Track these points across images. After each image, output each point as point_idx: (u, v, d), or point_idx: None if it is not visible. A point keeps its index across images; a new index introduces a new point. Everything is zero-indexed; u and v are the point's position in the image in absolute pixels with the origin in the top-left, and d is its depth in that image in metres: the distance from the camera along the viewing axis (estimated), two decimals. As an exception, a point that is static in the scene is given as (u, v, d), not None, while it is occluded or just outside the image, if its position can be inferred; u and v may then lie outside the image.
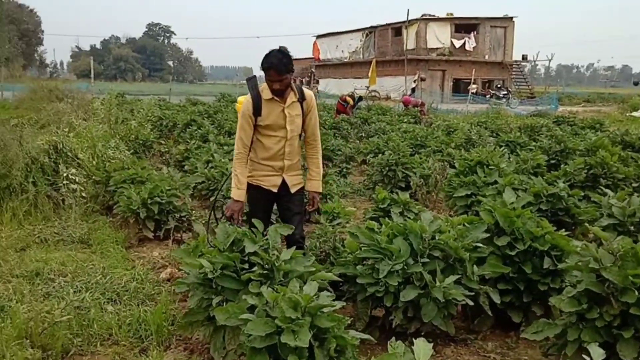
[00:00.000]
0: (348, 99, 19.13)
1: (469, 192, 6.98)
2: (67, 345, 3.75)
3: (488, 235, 4.10)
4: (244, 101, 4.18)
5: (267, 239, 3.72)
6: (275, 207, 4.51)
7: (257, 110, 4.11)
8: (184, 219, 6.33)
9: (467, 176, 7.21)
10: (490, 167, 7.22)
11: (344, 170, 10.28)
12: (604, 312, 3.29)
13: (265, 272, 3.50)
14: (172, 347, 3.91)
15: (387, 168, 8.74)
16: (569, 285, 3.98)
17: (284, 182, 4.29)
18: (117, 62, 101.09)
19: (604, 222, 5.42)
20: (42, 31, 79.64)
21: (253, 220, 3.97)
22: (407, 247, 3.85)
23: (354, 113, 18.67)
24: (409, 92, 39.09)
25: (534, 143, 10.66)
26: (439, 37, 42.34)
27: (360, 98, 19.92)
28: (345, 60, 51.28)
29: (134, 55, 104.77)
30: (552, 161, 9.38)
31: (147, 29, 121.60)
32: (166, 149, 10.80)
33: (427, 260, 3.84)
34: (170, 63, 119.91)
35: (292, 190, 4.32)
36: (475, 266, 3.92)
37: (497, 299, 3.90)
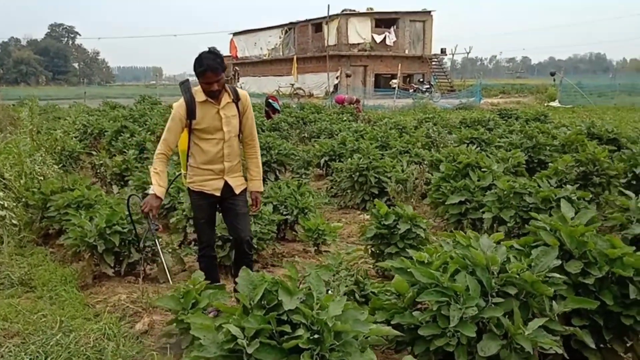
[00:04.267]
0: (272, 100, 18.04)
1: (462, 199, 6.34)
2: None
3: (560, 262, 3.39)
4: (176, 105, 4.09)
5: (308, 286, 2.87)
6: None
7: (190, 113, 4.04)
8: (148, 248, 5.29)
9: (457, 181, 6.55)
10: (482, 169, 6.58)
11: (303, 176, 9.42)
12: None
13: (313, 335, 2.64)
14: None
15: (357, 173, 7.96)
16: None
17: (226, 184, 4.23)
18: (17, 66, 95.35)
19: (636, 230, 4.87)
20: None
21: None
22: (475, 284, 3.07)
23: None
24: (331, 89, 38.62)
25: (498, 140, 10.15)
26: (360, 33, 41.93)
27: (268, 102, 18.59)
28: (264, 57, 50.14)
29: (36, 58, 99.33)
30: (525, 158, 8.89)
31: (49, 30, 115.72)
32: (100, 162, 9.53)
33: (501, 299, 3.08)
34: (76, 65, 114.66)
35: (237, 192, 4.27)
36: (554, 302, 3.21)
37: (590, 341, 3.19)
